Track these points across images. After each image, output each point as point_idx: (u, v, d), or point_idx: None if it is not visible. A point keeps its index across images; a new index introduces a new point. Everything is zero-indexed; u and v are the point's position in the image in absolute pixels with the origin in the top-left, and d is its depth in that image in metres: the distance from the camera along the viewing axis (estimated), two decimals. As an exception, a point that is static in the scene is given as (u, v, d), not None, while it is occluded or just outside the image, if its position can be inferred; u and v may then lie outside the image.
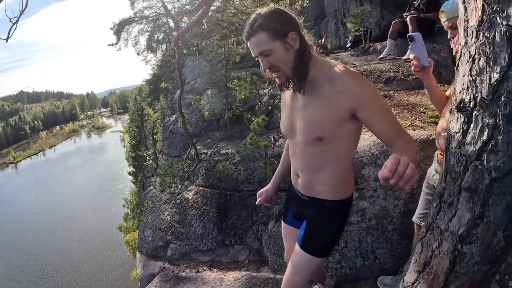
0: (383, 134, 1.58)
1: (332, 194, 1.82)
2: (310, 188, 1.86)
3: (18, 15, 3.64)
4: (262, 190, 2.29)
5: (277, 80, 1.69)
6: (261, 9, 1.59)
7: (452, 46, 2.05)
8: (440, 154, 2.14)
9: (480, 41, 1.12)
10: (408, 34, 1.94)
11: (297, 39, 1.57)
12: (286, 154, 2.16)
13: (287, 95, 1.85)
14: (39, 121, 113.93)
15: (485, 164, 1.14)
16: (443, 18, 2.03)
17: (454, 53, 2.04)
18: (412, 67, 2.06)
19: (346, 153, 1.74)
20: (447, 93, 2.26)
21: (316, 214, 1.90)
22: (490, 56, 1.09)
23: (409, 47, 2.06)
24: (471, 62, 1.16)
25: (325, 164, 1.75)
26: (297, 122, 1.76)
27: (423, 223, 2.43)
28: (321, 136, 1.65)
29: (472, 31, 1.16)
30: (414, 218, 2.58)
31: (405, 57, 6.13)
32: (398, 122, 1.61)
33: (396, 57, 6.00)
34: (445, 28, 2.06)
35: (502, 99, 1.06)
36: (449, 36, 2.05)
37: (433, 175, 2.28)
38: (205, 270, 4.69)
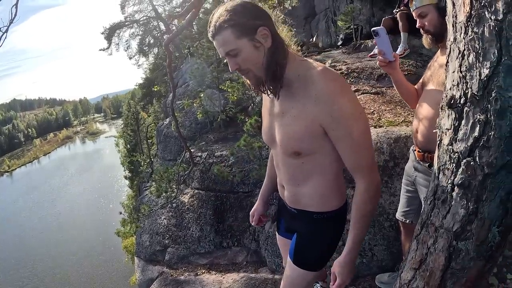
0: (346, 162, 1.50)
1: (320, 206, 1.67)
2: (297, 201, 1.72)
3: (8, 24, 3.62)
4: (252, 210, 2.17)
5: (248, 82, 1.54)
6: (226, 4, 1.40)
7: (422, 32, 2.06)
8: (418, 152, 2.14)
9: (469, 36, 1.11)
10: (372, 29, 1.95)
11: (268, 35, 1.39)
12: (271, 166, 2.02)
13: (266, 98, 1.67)
14: (33, 129, 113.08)
15: (477, 160, 1.13)
16: (412, 7, 2.04)
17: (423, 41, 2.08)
18: (378, 62, 2.06)
19: (332, 163, 1.57)
20: (416, 87, 2.27)
21: (305, 227, 1.77)
22: (479, 51, 1.08)
23: (373, 41, 2.07)
24: (461, 58, 1.15)
25: (308, 176, 1.61)
26: (275, 131, 1.61)
27: (407, 221, 2.44)
28: (298, 151, 1.52)
29: (461, 27, 1.15)
30: (397, 216, 2.57)
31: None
32: (369, 155, 1.48)
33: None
34: (414, 17, 2.06)
35: (493, 94, 1.05)
36: (417, 25, 2.05)
37: (412, 172, 2.27)
38: (204, 273, 4.68)
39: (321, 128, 1.43)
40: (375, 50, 6.17)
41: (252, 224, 2.18)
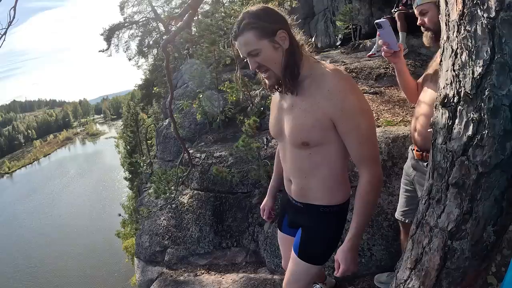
0: (352, 153, 1.60)
1: (326, 199, 1.74)
2: (304, 194, 1.78)
3: (6, 27, 3.61)
4: (263, 204, 2.27)
5: (266, 81, 1.64)
6: (249, 8, 1.54)
7: (422, 30, 2.10)
8: (417, 151, 2.14)
9: (462, 35, 1.11)
10: (375, 21, 1.97)
11: (286, 37, 1.52)
12: (278, 162, 2.10)
13: (276, 93, 1.79)
14: (33, 130, 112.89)
15: (471, 159, 1.13)
16: (414, 5, 2.08)
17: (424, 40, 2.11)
18: (383, 53, 2.08)
19: (338, 156, 1.65)
20: (418, 81, 2.27)
21: (311, 221, 1.82)
22: (472, 50, 1.08)
23: (377, 34, 2.08)
24: (454, 57, 1.15)
25: (316, 167, 1.68)
26: (284, 124, 1.71)
27: (407, 220, 2.44)
28: (306, 142, 1.60)
29: (454, 25, 1.15)
30: (396, 215, 2.57)
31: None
32: (374, 148, 1.59)
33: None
34: (415, 14, 2.09)
35: (486, 93, 1.05)
36: (418, 22, 2.08)
37: (411, 172, 2.27)
38: (203, 273, 4.67)
39: (331, 121, 1.53)
40: (374, 49, 6.18)
41: (264, 218, 2.28)
